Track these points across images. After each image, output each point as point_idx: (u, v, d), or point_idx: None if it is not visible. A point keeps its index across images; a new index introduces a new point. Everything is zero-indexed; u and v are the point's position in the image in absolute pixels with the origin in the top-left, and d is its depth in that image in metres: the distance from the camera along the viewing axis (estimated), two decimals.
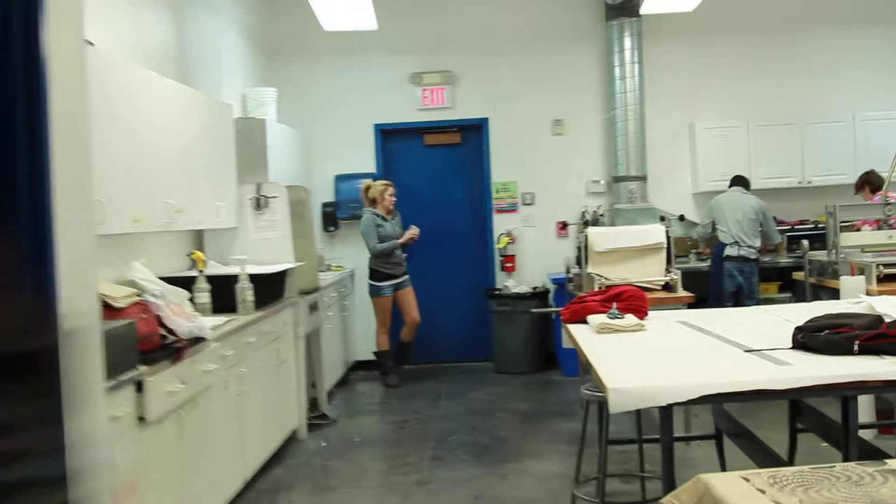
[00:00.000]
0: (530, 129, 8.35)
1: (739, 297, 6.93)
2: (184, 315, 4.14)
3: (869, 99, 8.35)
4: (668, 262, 5.47)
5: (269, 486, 5.00)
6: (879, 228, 5.92)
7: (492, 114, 8.38)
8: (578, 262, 5.72)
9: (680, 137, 8.38)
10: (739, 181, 7.29)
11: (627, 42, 7.95)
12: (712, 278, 6.98)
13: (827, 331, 2.90)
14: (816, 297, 5.86)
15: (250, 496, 4.81)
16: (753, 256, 6.99)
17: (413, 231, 7.43)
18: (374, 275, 7.53)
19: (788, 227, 7.97)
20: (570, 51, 8.33)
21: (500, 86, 8.35)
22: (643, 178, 8.07)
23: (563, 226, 8.37)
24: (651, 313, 3.90)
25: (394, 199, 7.51)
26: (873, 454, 3.02)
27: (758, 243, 7.06)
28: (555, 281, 7.79)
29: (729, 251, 6.94)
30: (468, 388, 7.50)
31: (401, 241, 7.42)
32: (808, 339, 2.93)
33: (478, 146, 8.44)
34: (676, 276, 5.28)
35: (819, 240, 7.09)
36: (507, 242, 8.31)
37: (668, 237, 5.47)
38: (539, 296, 7.98)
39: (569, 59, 8.32)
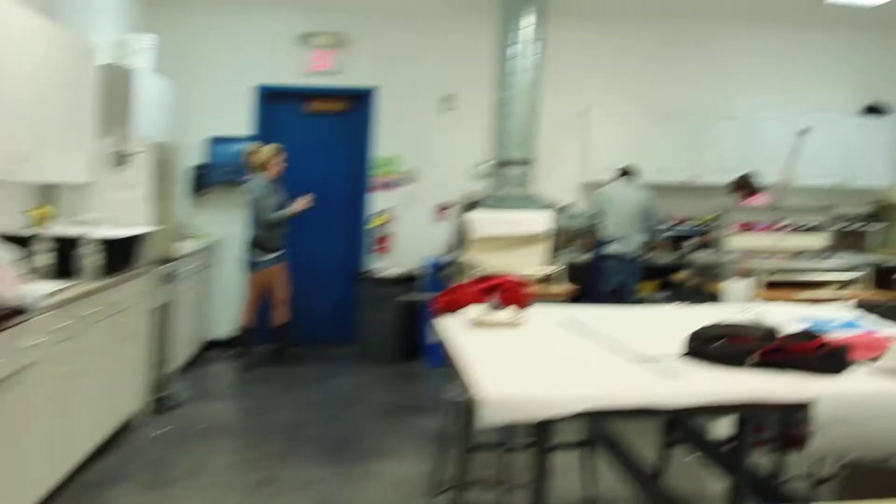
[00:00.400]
0: (421, 103, 8.10)
1: (620, 295, 6.85)
2: (7, 279, 3.69)
3: (765, 99, 8.42)
4: (551, 253, 5.29)
5: (96, 480, 4.58)
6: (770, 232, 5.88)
7: (382, 82, 8.07)
8: (455, 248, 5.46)
9: (573, 124, 8.29)
10: (627, 173, 7.20)
11: (530, 18, 7.71)
12: (593, 274, 6.87)
13: (722, 340, 2.73)
14: (696, 301, 5.76)
15: (72, 491, 4.38)
16: (637, 255, 6.92)
17: (307, 199, 7.13)
18: (261, 246, 7.13)
19: (670, 226, 7.93)
20: (469, 21, 8.12)
21: (392, 53, 8.06)
22: (530, 164, 7.87)
23: (444, 208, 8.11)
24: (532, 308, 3.69)
25: (284, 165, 7.16)
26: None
27: (642, 240, 6.99)
28: (430, 265, 7.55)
29: (612, 248, 6.85)
30: (328, 374, 7.19)
31: (297, 208, 7.09)
32: (702, 348, 2.75)
33: (363, 116, 8.14)
34: (559, 268, 5.10)
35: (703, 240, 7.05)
36: (383, 221, 8.00)
37: (552, 227, 5.29)
38: (410, 281, 7.74)
39: (466, 30, 8.11)
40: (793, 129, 8.00)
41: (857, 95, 8.68)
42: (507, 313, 3.38)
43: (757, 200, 7.02)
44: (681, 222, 8.10)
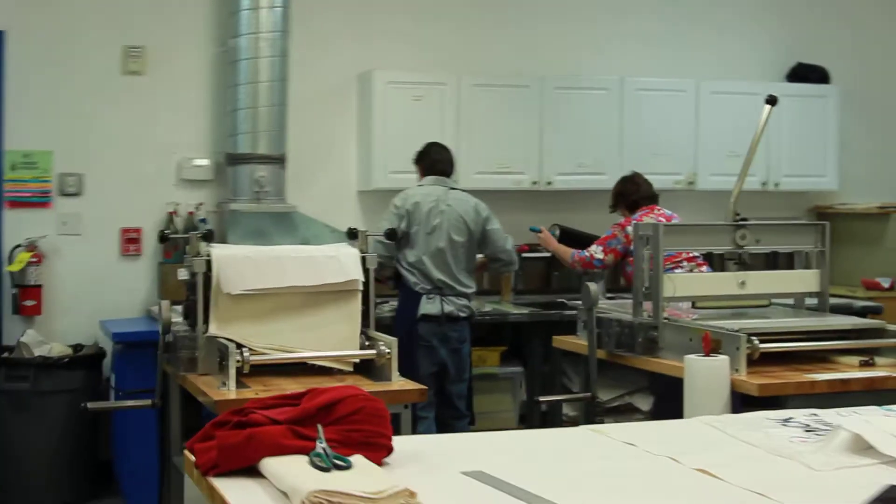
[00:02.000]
0: (83, 63, 6.93)
1: (442, 382, 5.71)
2: None
3: (645, 61, 7.92)
4: (366, 317, 4.18)
5: None
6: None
7: (11, 23, 6.81)
8: (189, 314, 4.22)
9: (346, 96, 7.41)
10: (442, 168, 6.18)
11: None
12: (400, 345, 5.67)
13: None
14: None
15: None
16: (465, 313, 5.80)
17: None
18: None
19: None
20: None
21: None
22: (280, 161, 6.83)
23: (134, 239, 6.92)
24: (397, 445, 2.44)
25: None
26: None
27: (472, 285, 5.88)
28: (120, 337, 6.30)
29: (425, 307, 5.68)
30: None
31: None
32: None
33: None
34: (388, 347, 3.96)
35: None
36: (26, 262, 6.54)
37: (366, 271, 4.20)
38: (86, 362, 6.51)
39: None
40: (688, 106, 7.58)
41: (777, 56, 8.29)
42: (364, 470, 2.06)
43: (655, 216, 6.30)
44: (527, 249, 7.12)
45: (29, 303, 6.70)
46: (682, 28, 8.09)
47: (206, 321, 4.07)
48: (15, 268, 6.65)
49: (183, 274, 6.44)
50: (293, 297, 4.12)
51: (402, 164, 6.78)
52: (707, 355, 4.13)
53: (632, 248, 5.89)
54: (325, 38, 7.26)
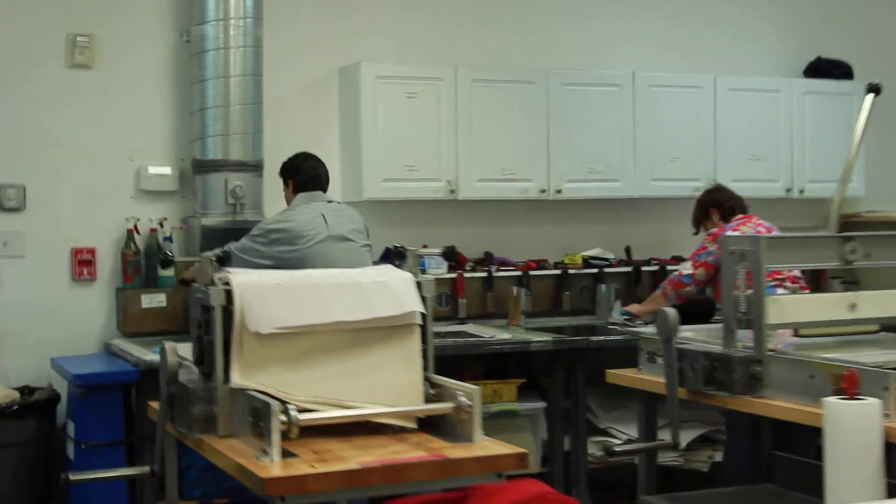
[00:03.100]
0: (21, 54, 6.12)
1: None
2: None
3: (659, 55, 7.30)
4: (425, 357, 3.35)
5: None
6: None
7: None
8: (202, 359, 3.32)
9: (327, 92, 6.65)
10: (315, 177, 5.58)
11: None
12: None
13: None
14: None
15: None
16: None
17: None
18: None
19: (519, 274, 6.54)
20: None
21: None
22: (257, 168, 6.12)
23: (87, 261, 6.06)
24: None
25: None
26: None
27: None
28: (82, 380, 5.43)
29: None
30: None
31: None
32: None
33: None
34: (469, 398, 3.13)
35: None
36: None
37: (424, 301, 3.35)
38: (38, 409, 5.68)
39: None
40: (705, 104, 6.96)
41: (794, 50, 7.71)
42: None
43: (753, 226, 5.83)
44: (533, 266, 6.52)
45: None
46: (695, 20, 7.47)
47: (226, 368, 3.22)
48: None
49: (147, 301, 5.82)
50: (335, 336, 3.25)
51: (398, 172, 6.15)
52: (852, 398, 3.42)
53: None
54: (301, 27, 6.53)
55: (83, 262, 6.05)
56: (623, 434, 6.06)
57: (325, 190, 5.59)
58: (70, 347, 5.98)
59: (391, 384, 3.24)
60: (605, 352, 5.92)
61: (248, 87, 5.97)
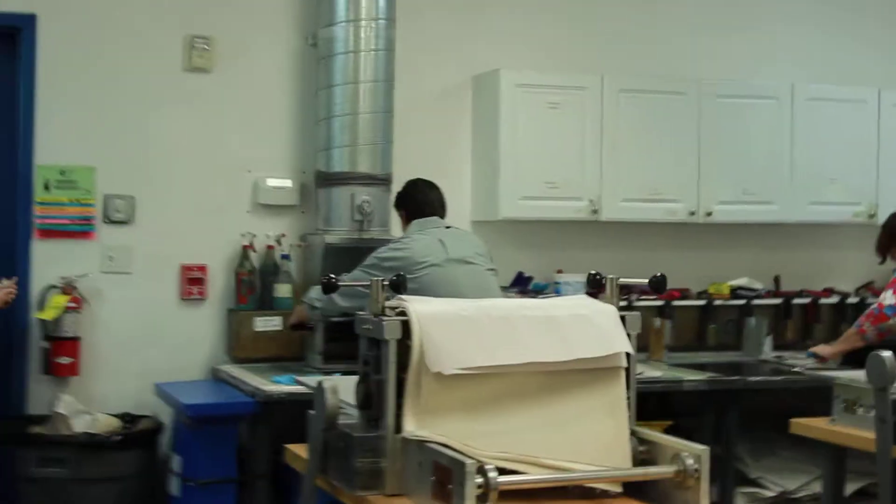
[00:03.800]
0: (134, 57, 5.78)
1: None
2: None
3: (815, 69, 6.72)
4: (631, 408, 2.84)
5: None
6: None
7: (45, 7, 5.67)
8: (368, 402, 2.83)
9: (461, 101, 6.17)
10: (429, 203, 5.27)
11: None
12: None
13: None
14: None
15: None
16: None
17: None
18: None
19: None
20: None
21: None
22: (385, 182, 5.65)
23: (198, 279, 5.66)
24: None
25: None
26: None
27: None
28: (195, 410, 5.02)
29: None
30: None
31: None
32: None
33: (8, 79, 5.79)
34: (696, 460, 2.57)
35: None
36: (61, 308, 5.42)
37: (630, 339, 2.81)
38: (141, 440, 5.27)
39: None
40: (868, 120, 6.39)
41: None
42: None
43: None
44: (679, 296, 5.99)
45: (64, 360, 5.52)
46: (858, 31, 6.90)
47: (398, 414, 2.72)
48: (47, 315, 5.50)
49: (261, 325, 5.38)
50: (527, 380, 2.72)
51: (537, 189, 5.68)
52: None
53: None
54: (433, 30, 6.10)
55: (193, 281, 5.65)
56: (776, 485, 5.50)
57: (441, 216, 5.20)
58: (175, 373, 5.63)
59: (595, 439, 2.67)
60: (757, 393, 5.45)
61: (378, 95, 5.54)
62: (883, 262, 5.67)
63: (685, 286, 6.26)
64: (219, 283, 5.64)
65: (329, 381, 2.77)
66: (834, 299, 6.33)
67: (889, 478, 3.49)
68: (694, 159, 6.05)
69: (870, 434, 3.67)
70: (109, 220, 5.61)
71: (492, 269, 5.07)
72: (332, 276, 3.10)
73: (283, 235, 5.65)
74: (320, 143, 5.58)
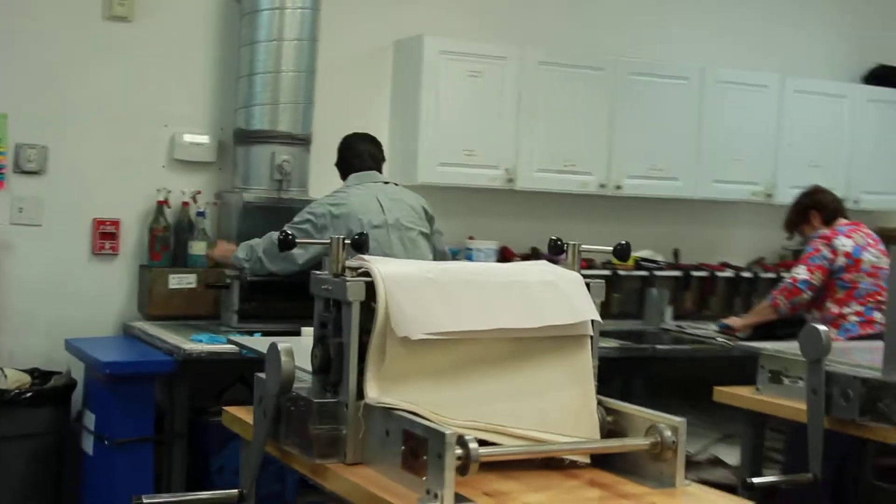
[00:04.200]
0: (51, 3, 5.22)
1: None
2: None
3: (729, 52, 6.56)
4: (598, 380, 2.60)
5: None
6: None
7: None
8: (326, 366, 2.55)
9: (381, 65, 5.76)
10: (369, 156, 4.95)
11: None
12: None
13: None
14: None
15: None
16: None
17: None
18: None
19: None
20: None
21: None
22: (305, 143, 5.26)
23: (110, 234, 5.16)
24: None
25: None
26: None
27: None
28: (112, 368, 4.49)
29: None
30: None
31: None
32: None
33: None
34: (673, 431, 2.35)
35: None
36: None
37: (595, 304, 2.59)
38: (54, 396, 4.77)
39: None
40: (770, 105, 6.28)
41: (854, 55, 7.02)
42: None
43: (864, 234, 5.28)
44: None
45: None
46: (767, 16, 6.71)
47: (359, 380, 2.48)
48: None
49: (175, 282, 5.04)
50: (495, 346, 2.49)
51: (455, 156, 5.38)
52: None
53: (838, 265, 4.97)
54: None
55: (105, 235, 5.15)
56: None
57: (378, 170, 4.86)
58: (86, 328, 5.12)
59: (563, 408, 2.45)
60: (664, 361, 5.32)
61: (302, 53, 5.12)
62: (791, 238, 5.59)
63: (591, 257, 6.09)
64: (132, 238, 5.18)
65: (283, 344, 2.49)
66: (729, 273, 6.14)
67: (820, 446, 3.36)
68: (607, 134, 5.79)
69: (795, 403, 3.57)
70: (20, 170, 5.06)
71: (425, 234, 4.74)
72: (288, 231, 2.82)
73: (199, 192, 5.20)
74: (241, 100, 5.14)
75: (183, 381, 4.37)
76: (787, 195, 6.07)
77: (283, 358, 2.44)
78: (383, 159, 4.94)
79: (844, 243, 5.04)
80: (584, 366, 2.53)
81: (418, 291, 2.42)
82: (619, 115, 5.85)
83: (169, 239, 5.07)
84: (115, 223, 5.13)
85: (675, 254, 6.22)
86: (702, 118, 6.00)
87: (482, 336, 2.44)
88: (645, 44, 6.33)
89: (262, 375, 2.57)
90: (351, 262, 2.49)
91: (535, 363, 2.49)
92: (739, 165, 6.07)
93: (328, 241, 2.51)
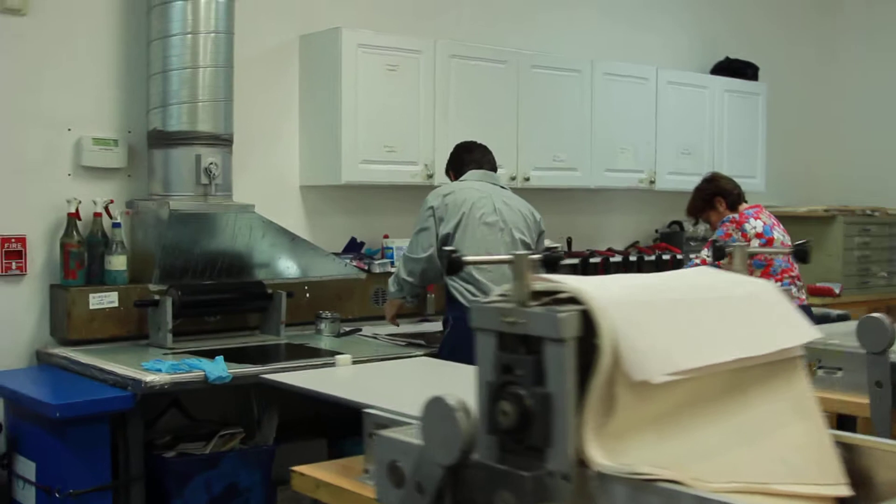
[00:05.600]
0: None
1: None
2: None
3: (612, 43, 5.84)
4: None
5: None
6: None
7: None
8: (526, 424, 1.59)
9: (289, 58, 4.75)
10: (486, 159, 4.21)
11: None
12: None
13: None
14: None
15: None
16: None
17: None
18: None
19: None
20: None
21: None
22: (227, 143, 4.21)
23: (16, 252, 3.96)
24: None
25: None
26: None
27: None
28: (64, 410, 3.24)
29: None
30: None
31: None
32: None
33: None
34: None
35: None
36: None
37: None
38: None
39: None
40: (648, 96, 5.66)
41: (707, 48, 6.45)
42: None
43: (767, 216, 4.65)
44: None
45: None
46: (644, 7, 6.11)
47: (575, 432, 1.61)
48: None
49: (96, 301, 3.93)
50: (709, 380, 1.74)
51: (376, 153, 4.49)
52: None
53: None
54: None
55: (10, 254, 3.87)
56: None
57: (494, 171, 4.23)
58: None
59: (801, 450, 1.74)
60: None
61: (220, 47, 4.04)
62: (696, 224, 5.05)
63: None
64: (40, 256, 3.94)
65: (454, 396, 1.64)
66: (618, 258, 5.52)
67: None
68: (514, 126, 4.97)
69: (837, 395, 2.93)
70: None
71: (527, 244, 4.01)
72: (452, 248, 1.96)
73: (111, 202, 4.01)
74: (155, 99, 4.01)
75: (139, 417, 3.29)
76: (666, 182, 5.57)
77: (459, 415, 1.58)
78: (497, 167, 4.25)
79: (755, 225, 4.51)
80: (803, 394, 1.77)
81: (642, 319, 1.63)
82: (524, 108, 5.07)
83: (83, 255, 3.89)
84: (21, 240, 3.88)
85: (569, 242, 5.54)
86: (593, 109, 5.33)
87: (715, 370, 1.69)
88: (545, 37, 5.59)
89: (393, 434, 1.72)
90: (538, 285, 1.67)
91: (748, 397, 1.68)
92: (626, 154, 5.42)
93: (507, 256, 1.69)
